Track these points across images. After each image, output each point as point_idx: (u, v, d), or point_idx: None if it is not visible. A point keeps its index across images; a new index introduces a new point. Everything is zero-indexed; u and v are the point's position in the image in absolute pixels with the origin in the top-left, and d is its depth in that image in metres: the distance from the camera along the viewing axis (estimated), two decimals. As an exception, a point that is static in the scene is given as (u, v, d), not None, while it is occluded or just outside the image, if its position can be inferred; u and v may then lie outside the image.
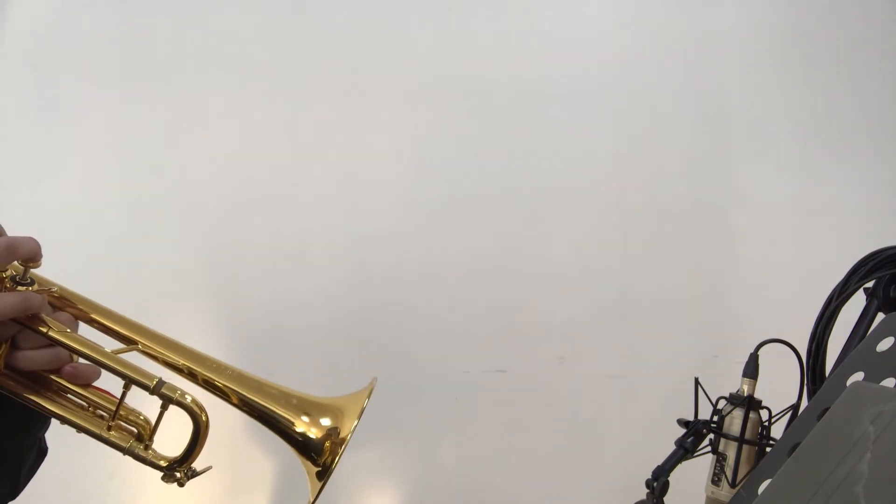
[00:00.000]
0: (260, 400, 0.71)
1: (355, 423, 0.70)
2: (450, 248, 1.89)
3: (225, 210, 1.87)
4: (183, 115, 1.89)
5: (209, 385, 0.71)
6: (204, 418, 0.68)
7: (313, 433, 0.70)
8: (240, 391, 0.71)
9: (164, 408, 0.68)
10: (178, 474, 0.69)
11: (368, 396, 0.73)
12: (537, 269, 1.90)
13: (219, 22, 1.93)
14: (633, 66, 2.00)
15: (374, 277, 1.87)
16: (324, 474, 0.69)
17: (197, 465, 0.70)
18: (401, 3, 1.97)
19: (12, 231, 0.67)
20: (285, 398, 0.72)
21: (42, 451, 0.80)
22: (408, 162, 1.93)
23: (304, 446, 0.70)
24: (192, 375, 0.71)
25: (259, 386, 0.72)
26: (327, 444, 0.70)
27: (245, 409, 0.71)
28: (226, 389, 0.71)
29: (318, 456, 0.69)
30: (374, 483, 1.80)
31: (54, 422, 0.76)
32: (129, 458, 0.69)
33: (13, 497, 0.77)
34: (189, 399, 0.68)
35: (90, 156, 1.86)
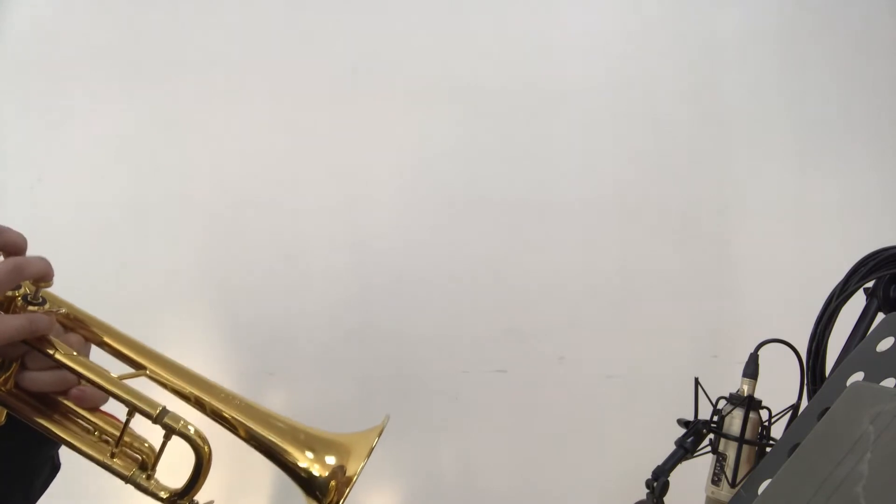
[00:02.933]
0: (267, 434, 0.69)
1: (362, 463, 0.67)
2: (450, 248, 1.89)
3: (225, 210, 1.87)
4: (183, 115, 1.89)
5: (217, 416, 0.69)
6: (206, 450, 0.67)
7: (318, 471, 0.68)
8: (247, 423, 0.69)
9: (167, 437, 0.67)
10: None
11: (379, 436, 0.70)
12: (537, 270, 1.90)
13: (219, 22, 1.93)
14: (633, 66, 2.00)
15: (374, 278, 1.87)
16: None
17: (200, 498, 0.68)
18: (401, 4, 1.97)
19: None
20: (292, 433, 0.70)
21: (55, 467, 0.79)
22: (408, 162, 1.93)
23: (308, 484, 0.68)
24: (199, 404, 0.69)
25: (266, 418, 0.70)
26: (333, 483, 0.67)
27: (251, 442, 0.69)
28: (233, 421, 0.69)
29: (324, 496, 0.67)
30: (373, 483, 1.80)
31: None
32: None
33: None
34: (192, 430, 0.67)
35: (90, 156, 1.86)
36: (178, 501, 0.67)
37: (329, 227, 1.88)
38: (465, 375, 1.85)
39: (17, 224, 0.67)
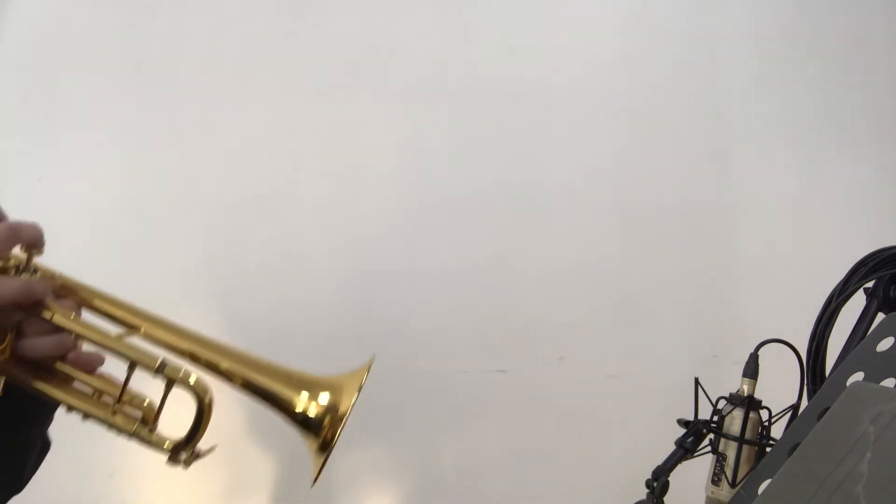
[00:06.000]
0: (261, 380, 0.72)
1: (354, 398, 0.71)
2: (449, 247, 1.89)
3: (225, 210, 1.86)
4: (183, 115, 1.88)
5: (211, 368, 0.71)
6: (208, 399, 0.69)
7: (313, 410, 0.71)
8: (242, 372, 0.72)
9: (168, 389, 0.68)
10: (182, 456, 0.69)
11: (367, 372, 0.74)
12: (537, 270, 1.90)
13: (219, 22, 1.93)
14: (633, 65, 2.00)
15: (374, 277, 1.87)
16: (325, 448, 0.70)
17: (202, 446, 0.70)
18: (399, 3, 1.97)
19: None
20: (286, 377, 0.73)
21: (46, 445, 0.80)
22: (407, 162, 1.92)
23: (304, 423, 0.71)
24: (194, 358, 0.71)
25: (260, 366, 0.73)
26: (327, 419, 0.70)
27: (246, 389, 0.72)
28: (227, 372, 0.71)
29: (318, 432, 0.70)
30: (373, 483, 1.80)
31: (57, 418, 0.76)
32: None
33: (18, 490, 0.77)
34: (193, 379, 0.68)
35: (90, 156, 1.86)
36: (182, 450, 0.69)
37: (328, 226, 1.88)
38: (465, 375, 1.85)
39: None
